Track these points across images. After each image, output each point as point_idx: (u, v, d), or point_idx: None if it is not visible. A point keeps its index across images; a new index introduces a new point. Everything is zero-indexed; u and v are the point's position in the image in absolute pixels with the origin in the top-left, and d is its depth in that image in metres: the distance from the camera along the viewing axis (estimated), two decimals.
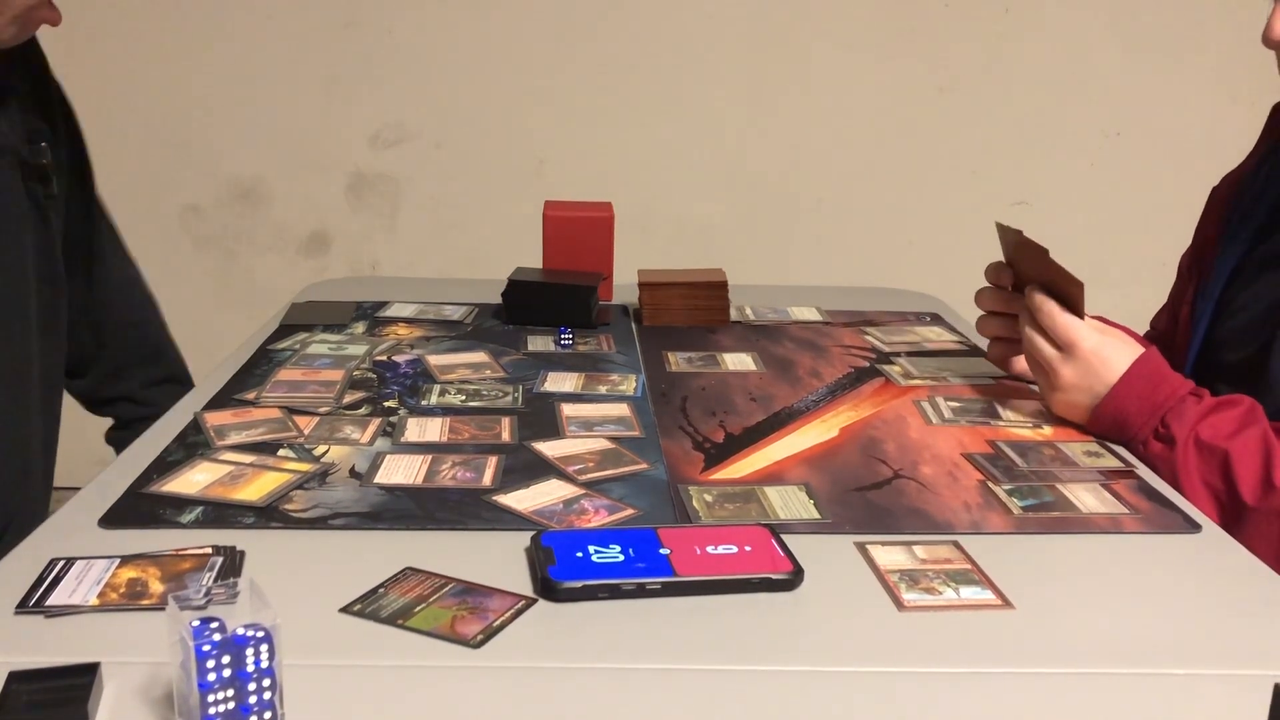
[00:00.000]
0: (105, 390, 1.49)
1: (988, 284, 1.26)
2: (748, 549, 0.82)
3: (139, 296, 1.50)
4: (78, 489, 0.93)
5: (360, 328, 1.43)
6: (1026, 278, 1.18)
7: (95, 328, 1.44)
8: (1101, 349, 1.10)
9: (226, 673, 0.58)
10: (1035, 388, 1.24)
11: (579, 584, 0.76)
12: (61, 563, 0.79)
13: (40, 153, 1.25)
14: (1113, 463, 1.04)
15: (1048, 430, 1.12)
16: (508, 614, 0.74)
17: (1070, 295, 1.12)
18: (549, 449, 1.04)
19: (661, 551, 0.81)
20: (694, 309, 1.49)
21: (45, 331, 1.28)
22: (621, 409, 1.15)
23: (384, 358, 1.30)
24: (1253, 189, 1.30)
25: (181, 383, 1.51)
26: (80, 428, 1.50)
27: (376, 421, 1.09)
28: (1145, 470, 1.04)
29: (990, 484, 0.99)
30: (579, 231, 1.53)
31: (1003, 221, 1.21)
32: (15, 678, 0.63)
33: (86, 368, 1.47)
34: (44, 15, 1.17)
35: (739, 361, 1.33)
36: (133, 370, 1.49)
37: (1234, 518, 1.01)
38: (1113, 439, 1.10)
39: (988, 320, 1.28)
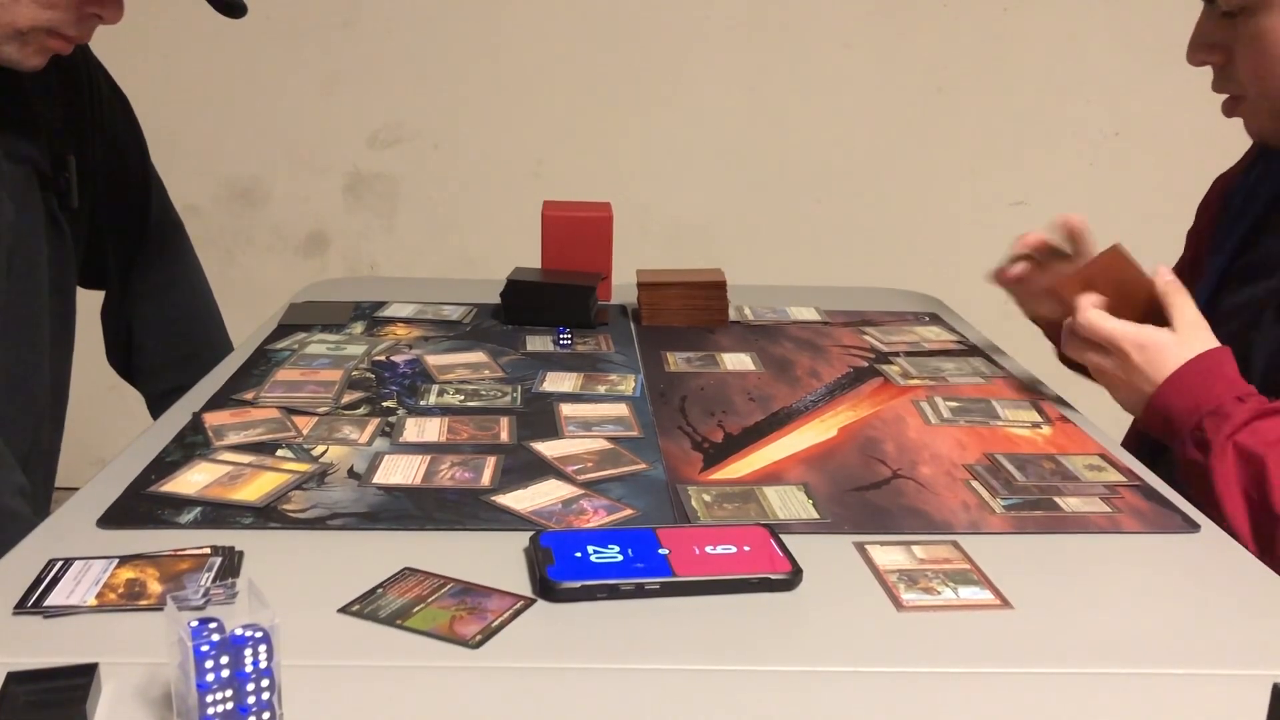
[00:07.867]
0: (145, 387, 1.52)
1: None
2: (746, 549, 0.82)
3: (178, 300, 1.51)
4: (76, 489, 0.93)
5: (359, 328, 1.43)
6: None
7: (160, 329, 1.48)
8: (1170, 343, 1.08)
9: (225, 673, 0.58)
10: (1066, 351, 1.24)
11: (578, 584, 0.76)
12: (60, 563, 0.79)
13: (63, 165, 1.25)
14: (1115, 476, 1.01)
15: (1047, 430, 1.12)
16: (506, 614, 0.74)
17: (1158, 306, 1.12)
18: (548, 449, 1.04)
19: (660, 552, 0.81)
20: (693, 309, 1.49)
21: (56, 341, 1.28)
22: (620, 409, 1.15)
23: (382, 358, 1.30)
24: (1242, 192, 1.29)
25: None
26: (78, 428, 1.50)
27: (375, 422, 1.09)
28: (1150, 479, 1.01)
29: (976, 483, 0.98)
30: (577, 231, 1.53)
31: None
32: (13, 678, 0.63)
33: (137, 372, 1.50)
34: (52, 45, 1.13)
35: (738, 361, 1.33)
36: (166, 373, 1.49)
37: (1267, 531, 0.96)
38: (1163, 438, 1.08)
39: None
